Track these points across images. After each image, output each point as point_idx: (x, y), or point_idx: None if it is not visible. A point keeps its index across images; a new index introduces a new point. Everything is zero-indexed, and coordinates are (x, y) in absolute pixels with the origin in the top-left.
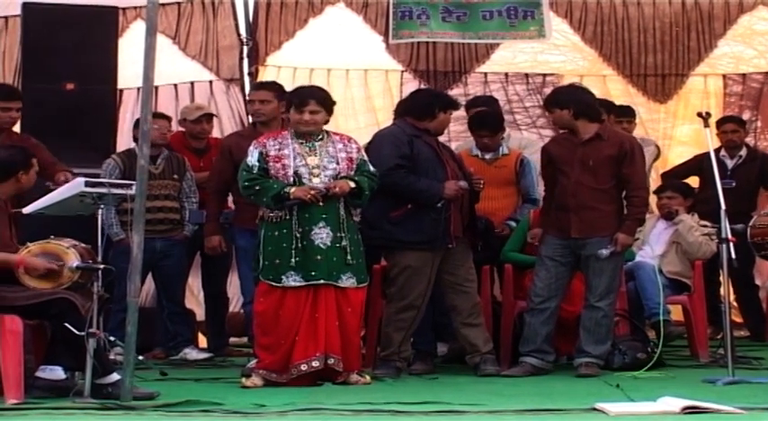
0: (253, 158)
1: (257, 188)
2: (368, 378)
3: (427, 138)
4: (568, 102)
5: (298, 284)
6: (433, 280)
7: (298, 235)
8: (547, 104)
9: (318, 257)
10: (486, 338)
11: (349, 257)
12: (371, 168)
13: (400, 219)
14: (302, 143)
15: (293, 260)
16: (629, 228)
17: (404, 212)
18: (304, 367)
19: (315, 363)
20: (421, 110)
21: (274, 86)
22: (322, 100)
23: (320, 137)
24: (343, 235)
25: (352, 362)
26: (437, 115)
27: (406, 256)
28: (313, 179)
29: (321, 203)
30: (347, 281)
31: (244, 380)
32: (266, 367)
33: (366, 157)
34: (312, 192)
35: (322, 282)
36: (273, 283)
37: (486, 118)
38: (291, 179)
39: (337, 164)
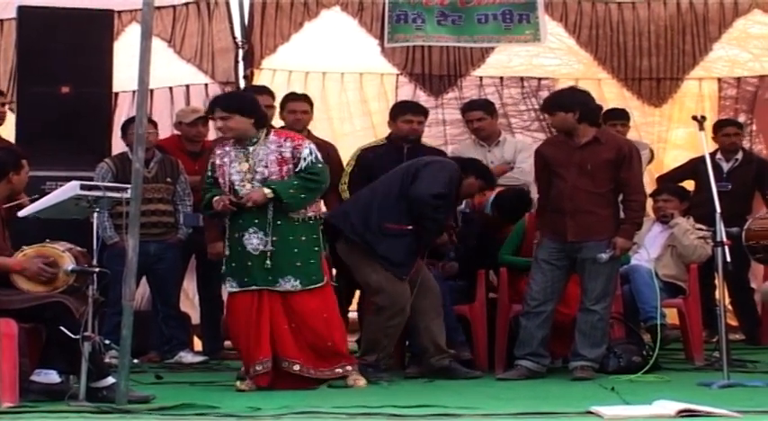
0: (209, 169)
1: (206, 196)
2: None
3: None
4: (574, 105)
5: (235, 290)
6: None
7: (228, 242)
8: (549, 107)
9: (249, 263)
10: (443, 339)
11: (292, 260)
12: (315, 167)
13: (391, 232)
14: (237, 149)
15: (232, 266)
16: (628, 232)
17: (400, 229)
18: (259, 368)
19: (258, 368)
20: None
21: (269, 91)
22: (226, 105)
23: (254, 140)
24: (276, 239)
25: (329, 360)
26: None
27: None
28: (246, 185)
29: (252, 208)
30: (286, 284)
31: (239, 383)
32: (246, 369)
33: (310, 156)
34: (224, 201)
35: (254, 287)
36: (226, 288)
37: None
38: (227, 187)
39: (266, 167)
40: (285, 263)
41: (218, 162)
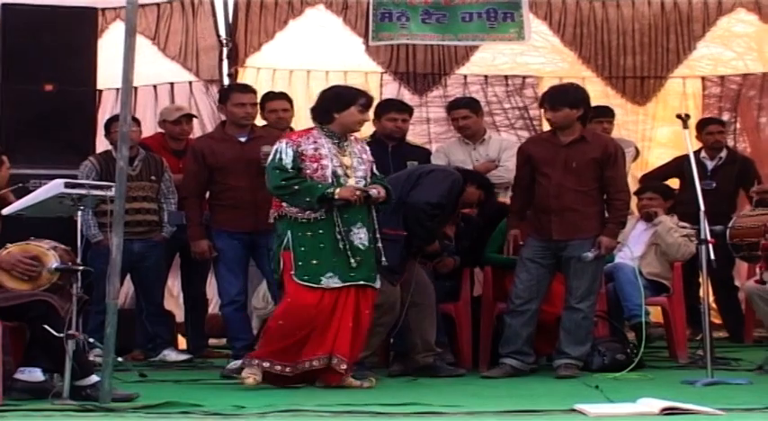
0: (287, 158)
1: (296, 188)
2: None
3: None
4: (579, 102)
5: (337, 285)
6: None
7: (339, 236)
8: (555, 102)
9: (358, 258)
10: (433, 337)
11: (383, 259)
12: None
13: (387, 237)
14: (335, 143)
15: (335, 261)
16: (613, 231)
17: (396, 234)
18: (308, 365)
19: (315, 363)
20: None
21: (255, 90)
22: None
23: (346, 137)
24: (378, 237)
25: (353, 361)
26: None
27: None
28: (349, 180)
29: (359, 204)
30: (377, 282)
31: (244, 376)
32: (271, 356)
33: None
34: (357, 192)
35: (360, 282)
36: (311, 284)
37: None
38: (330, 179)
39: (364, 165)
40: (380, 261)
41: (309, 152)
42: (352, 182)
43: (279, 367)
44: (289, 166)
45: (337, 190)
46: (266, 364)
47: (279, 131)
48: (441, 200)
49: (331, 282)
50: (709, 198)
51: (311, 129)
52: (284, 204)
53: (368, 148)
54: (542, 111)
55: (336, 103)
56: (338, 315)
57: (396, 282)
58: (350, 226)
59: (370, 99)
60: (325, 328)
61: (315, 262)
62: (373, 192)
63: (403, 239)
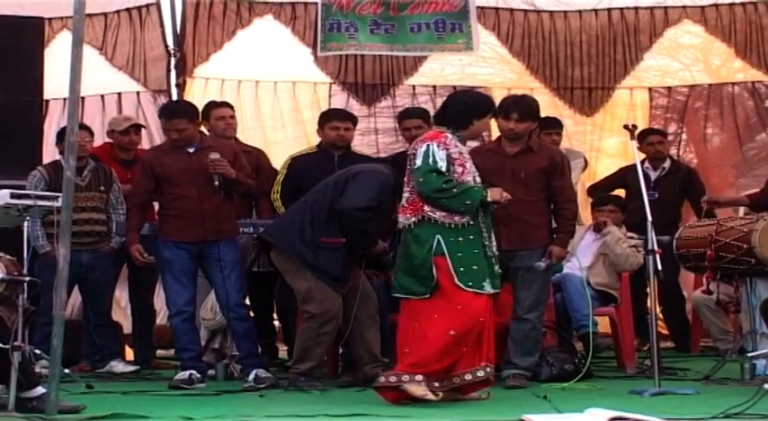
0: (441, 161)
1: (455, 191)
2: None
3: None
4: (538, 114)
5: (492, 291)
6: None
7: (486, 242)
8: (524, 114)
9: (495, 265)
10: (378, 348)
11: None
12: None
13: (328, 246)
14: (458, 147)
15: (487, 267)
16: (563, 240)
17: (336, 243)
18: (468, 377)
19: (480, 374)
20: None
21: (187, 112)
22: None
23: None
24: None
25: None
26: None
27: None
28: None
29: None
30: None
31: (428, 398)
32: (430, 374)
33: None
34: (504, 194)
35: (498, 290)
36: (476, 290)
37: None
38: (473, 182)
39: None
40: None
41: (455, 155)
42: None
43: (437, 383)
44: (444, 169)
45: (495, 190)
46: (419, 378)
47: (227, 140)
48: (369, 203)
49: (489, 288)
50: (652, 208)
51: (442, 133)
52: (426, 208)
53: None
54: (499, 118)
55: (477, 111)
56: (488, 324)
57: (341, 289)
58: (488, 233)
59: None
60: (481, 338)
61: (475, 267)
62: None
63: (342, 247)
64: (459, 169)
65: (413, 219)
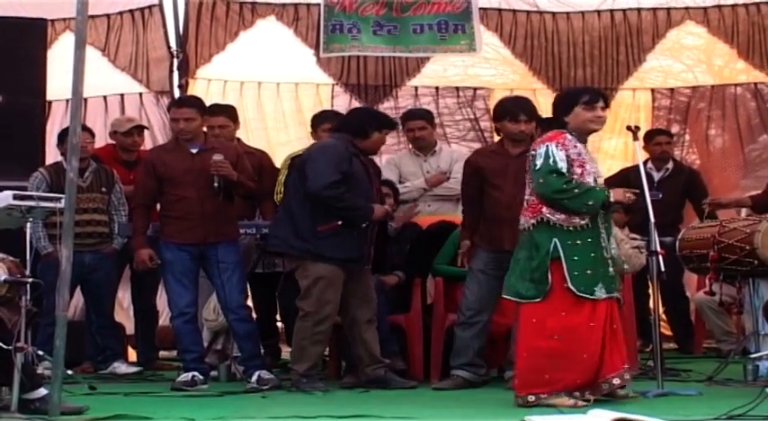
0: (561, 161)
1: (576, 191)
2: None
3: (362, 157)
4: (538, 115)
5: (605, 296)
6: (340, 291)
7: (604, 244)
8: (532, 115)
9: (610, 268)
10: (378, 348)
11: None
12: None
13: (327, 234)
14: (580, 148)
15: (602, 271)
16: None
17: (332, 228)
18: (616, 381)
19: (626, 376)
20: (355, 128)
21: (197, 103)
22: (606, 98)
23: (586, 140)
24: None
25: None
26: (371, 135)
27: (319, 267)
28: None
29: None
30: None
31: (568, 399)
32: (574, 387)
33: None
34: (628, 194)
35: (616, 294)
36: (585, 295)
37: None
38: (593, 184)
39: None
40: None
41: (573, 156)
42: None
43: (588, 393)
44: (564, 170)
45: (619, 191)
46: (577, 394)
47: (232, 142)
48: (331, 178)
49: (601, 293)
50: (655, 209)
51: (562, 133)
52: (545, 210)
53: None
54: (505, 121)
55: (560, 106)
56: (616, 326)
57: (366, 265)
58: (608, 234)
59: (594, 94)
60: (614, 340)
61: (589, 272)
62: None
63: (341, 229)
64: (579, 170)
65: (532, 221)
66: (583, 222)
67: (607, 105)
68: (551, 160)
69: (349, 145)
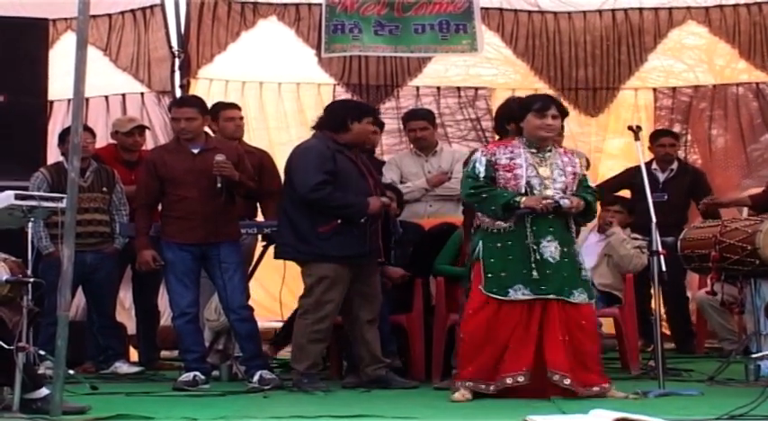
0: (480, 166)
1: (484, 196)
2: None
3: (347, 152)
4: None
5: (526, 298)
6: (345, 291)
7: (534, 247)
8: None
9: (548, 271)
10: (379, 348)
11: (583, 273)
12: (591, 184)
13: (329, 234)
14: (534, 153)
15: (524, 272)
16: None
17: (332, 228)
18: (509, 380)
19: (520, 379)
20: (334, 124)
21: (198, 102)
22: (559, 105)
23: (549, 148)
24: (570, 250)
25: (590, 377)
26: (351, 127)
27: (323, 267)
28: (546, 191)
29: (551, 215)
30: (579, 296)
31: (457, 398)
32: (473, 377)
33: (587, 173)
34: (544, 201)
35: (552, 296)
36: (497, 296)
37: None
38: (523, 189)
39: (565, 177)
40: (575, 274)
41: (503, 161)
42: (549, 193)
43: (483, 386)
44: (481, 175)
45: (523, 198)
46: (470, 383)
47: (233, 142)
48: (317, 178)
49: (519, 294)
50: (660, 210)
51: (512, 139)
52: (479, 214)
53: (577, 162)
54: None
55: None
56: (532, 329)
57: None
58: (539, 238)
59: (546, 102)
60: (522, 343)
61: (503, 274)
62: (565, 202)
63: (341, 227)
64: (507, 175)
65: (476, 223)
66: (505, 225)
67: (562, 114)
68: (471, 166)
69: (330, 142)
